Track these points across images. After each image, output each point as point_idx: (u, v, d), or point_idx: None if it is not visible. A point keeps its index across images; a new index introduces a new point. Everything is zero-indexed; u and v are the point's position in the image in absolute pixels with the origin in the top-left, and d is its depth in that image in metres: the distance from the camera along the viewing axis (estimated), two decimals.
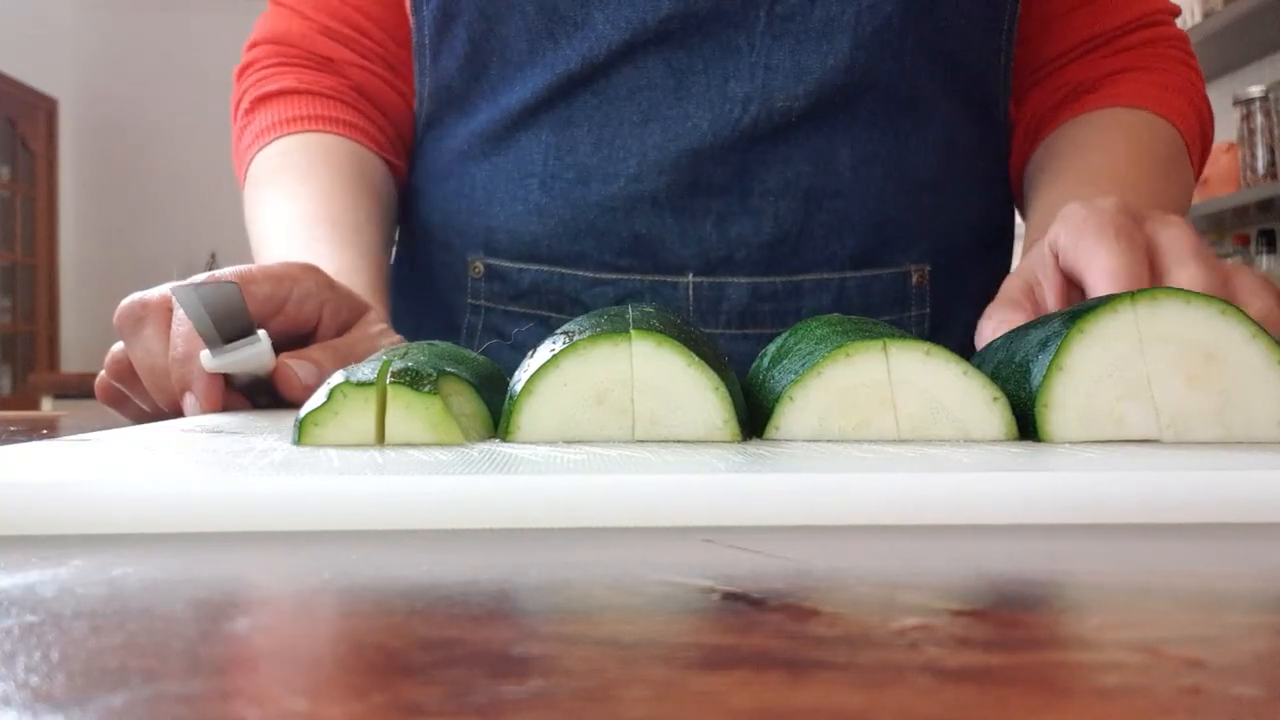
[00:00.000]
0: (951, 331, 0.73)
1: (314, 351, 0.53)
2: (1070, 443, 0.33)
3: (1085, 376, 0.33)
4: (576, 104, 0.69)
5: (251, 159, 0.75)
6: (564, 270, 0.71)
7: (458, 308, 0.76)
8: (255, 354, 0.49)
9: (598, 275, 0.71)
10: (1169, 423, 0.33)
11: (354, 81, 0.77)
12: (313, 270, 0.56)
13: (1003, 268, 0.79)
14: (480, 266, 0.74)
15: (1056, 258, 0.51)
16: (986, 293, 0.54)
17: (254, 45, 0.80)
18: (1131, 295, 0.33)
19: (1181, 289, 0.34)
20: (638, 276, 0.70)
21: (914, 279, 0.73)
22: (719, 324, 0.71)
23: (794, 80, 0.67)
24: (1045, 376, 0.33)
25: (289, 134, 0.74)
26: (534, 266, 0.72)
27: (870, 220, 0.70)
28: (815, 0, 0.66)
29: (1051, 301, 0.51)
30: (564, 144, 0.70)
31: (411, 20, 0.75)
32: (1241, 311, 0.33)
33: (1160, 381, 0.33)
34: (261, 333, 0.50)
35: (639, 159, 0.69)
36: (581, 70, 0.68)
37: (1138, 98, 0.74)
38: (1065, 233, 0.50)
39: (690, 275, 0.70)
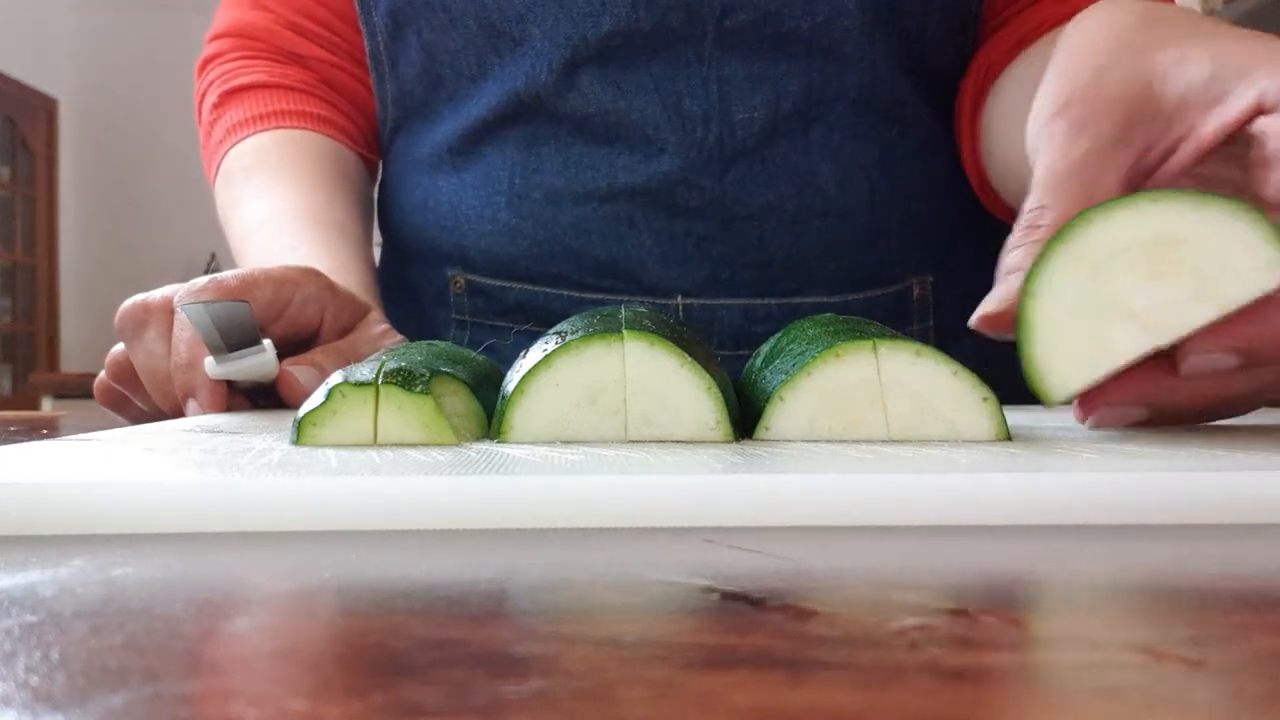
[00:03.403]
0: (960, 341, 0.72)
1: (316, 355, 0.53)
2: (1069, 393, 0.33)
3: (1057, 301, 0.33)
4: (538, 121, 0.67)
5: (224, 155, 0.74)
6: (547, 289, 0.70)
7: (441, 322, 0.74)
8: (260, 363, 0.49)
9: (582, 295, 0.69)
10: (1153, 324, 0.32)
11: (322, 75, 0.75)
12: (314, 274, 0.55)
13: None
14: (461, 281, 0.72)
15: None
16: None
17: (217, 37, 0.78)
18: (1086, 212, 0.33)
19: (1156, 189, 0.32)
20: (624, 298, 0.68)
21: (916, 292, 0.71)
22: (712, 346, 0.68)
23: (749, 90, 0.64)
24: (1020, 312, 0.33)
25: (263, 130, 0.73)
26: (515, 285, 0.70)
27: (862, 236, 0.68)
28: (767, 16, 0.63)
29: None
30: (530, 162, 0.68)
31: (363, 28, 0.73)
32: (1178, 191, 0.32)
33: (1131, 290, 0.32)
34: (267, 342, 0.50)
35: (609, 181, 0.66)
36: (528, 89, 0.66)
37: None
38: None
39: (679, 298, 0.68)
